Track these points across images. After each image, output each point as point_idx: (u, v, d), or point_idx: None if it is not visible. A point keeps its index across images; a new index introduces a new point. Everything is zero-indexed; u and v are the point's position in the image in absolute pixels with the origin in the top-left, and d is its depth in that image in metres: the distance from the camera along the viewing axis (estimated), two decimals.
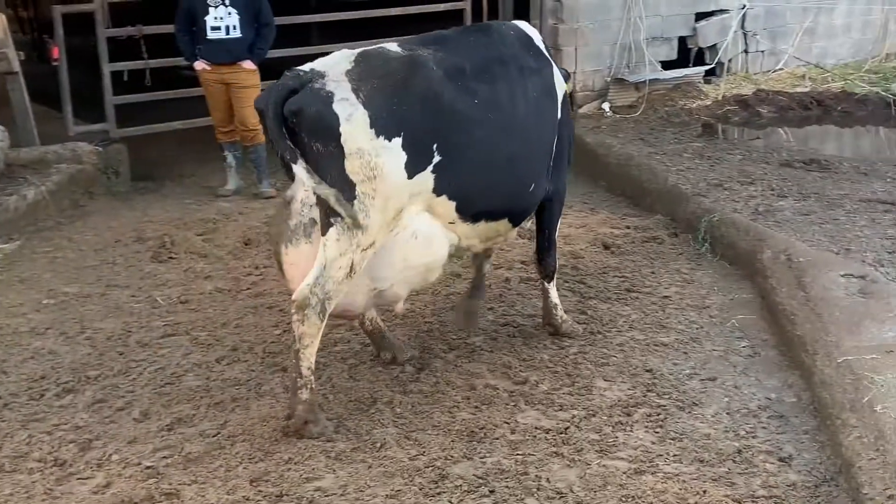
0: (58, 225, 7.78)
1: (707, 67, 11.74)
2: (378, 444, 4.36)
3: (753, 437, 4.44)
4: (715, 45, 11.72)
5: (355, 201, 4.29)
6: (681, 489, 4.00)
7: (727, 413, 4.66)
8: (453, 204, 4.69)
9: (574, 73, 10.26)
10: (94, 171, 8.73)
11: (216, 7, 8.25)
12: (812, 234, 6.63)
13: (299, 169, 4.23)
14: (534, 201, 5.20)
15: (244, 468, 4.19)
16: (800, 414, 4.66)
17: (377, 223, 4.38)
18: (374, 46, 4.65)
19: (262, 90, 5.73)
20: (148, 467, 4.21)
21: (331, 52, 4.65)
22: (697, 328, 5.66)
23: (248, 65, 8.44)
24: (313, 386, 4.49)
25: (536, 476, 4.11)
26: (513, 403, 4.76)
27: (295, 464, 4.21)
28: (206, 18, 8.27)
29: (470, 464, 4.22)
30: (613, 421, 4.59)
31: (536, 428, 4.52)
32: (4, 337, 5.60)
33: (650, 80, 10.93)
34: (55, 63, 9.03)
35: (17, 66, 8.79)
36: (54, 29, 9.06)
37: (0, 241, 7.22)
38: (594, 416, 4.64)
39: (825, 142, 10.51)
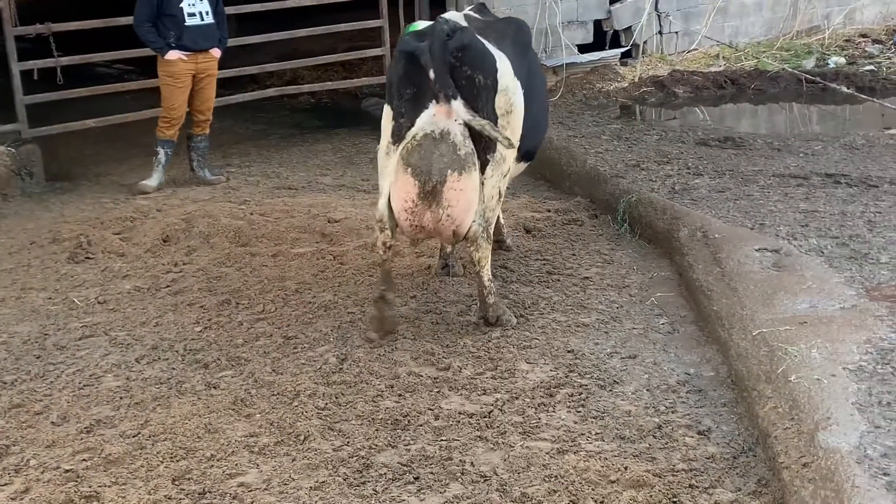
0: None
1: (623, 50, 11.89)
2: (302, 437, 4.35)
3: (673, 412, 4.51)
4: (630, 27, 11.87)
5: (501, 132, 5.07)
6: (603, 466, 4.05)
7: (647, 390, 4.73)
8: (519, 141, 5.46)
9: None
10: (7, 172, 8.53)
11: None
12: (727, 211, 6.75)
13: (459, 104, 4.93)
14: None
15: (166, 467, 4.14)
16: (718, 387, 4.76)
17: (509, 153, 5.24)
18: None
19: None
20: (67, 471, 4.13)
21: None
22: (618, 307, 5.74)
23: (216, 52, 8.53)
24: (495, 290, 5.41)
25: (461, 461, 4.13)
26: (436, 390, 4.78)
27: (217, 460, 4.17)
28: (182, 5, 8.20)
29: (394, 452, 4.22)
30: (536, 402, 4.63)
31: (460, 413, 4.54)
32: None
33: (567, 64, 11.04)
34: None
35: None
36: None
37: None
38: (517, 398, 4.67)
39: (740, 120, 10.72)
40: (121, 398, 4.79)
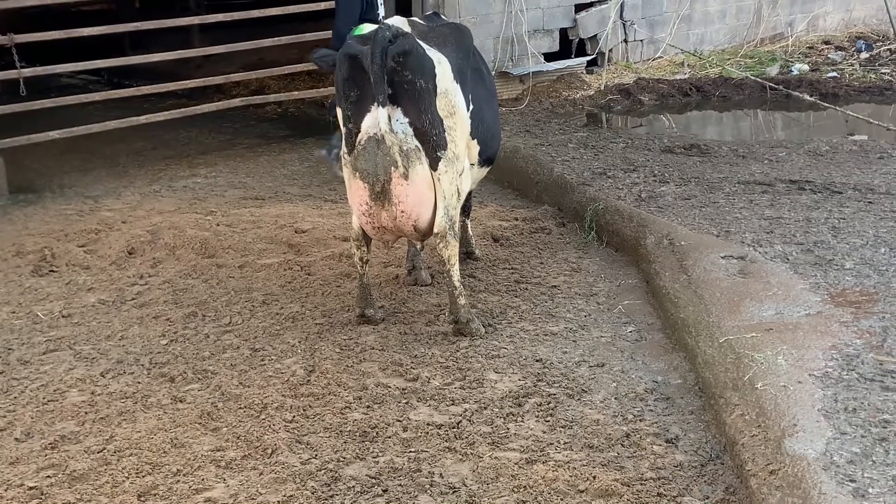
0: None
1: (589, 58, 11.95)
2: (269, 450, 4.32)
3: (641, 421, 4.52)
4: (595, 35, 11.94)
5: (445, 133, 5.23)
6: (571, 476, 4.05)
7: (615, 398, 4.74)
8: (478, 148, 5.74)
9: None
10: None
11: (381, 3, 8.18)
12: (693, 218, 6.78)
13: (383, 113, 5.01)
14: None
15: (131, 483, 4.09)
16: (685, 395, 4.77)
17: (461, 151, 5.38)
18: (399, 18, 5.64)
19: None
20: (31, 488, 4.08)
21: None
22: (585, 316, 5.75)
23: None
24: (465, 292, 5.49)
25: (429, 472, 4.12)
26: (405, 401, 4.76)
27: (184, 475, 4.14)
28: (378, 11, 8.12)
29: (363, 464, 4.20)
30: (505, 412, 4.62)
31: (429, 424, 4.53)
32: None
33: (534, 73, 11.08)
34: None
35: None
36: None
37: None
38: (486, 408, 4.67)
39: (705, 127, 10.79)
40: (86, 413, 4.73)
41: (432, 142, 5.19)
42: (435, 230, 5.33)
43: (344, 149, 5.30)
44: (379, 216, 5.25)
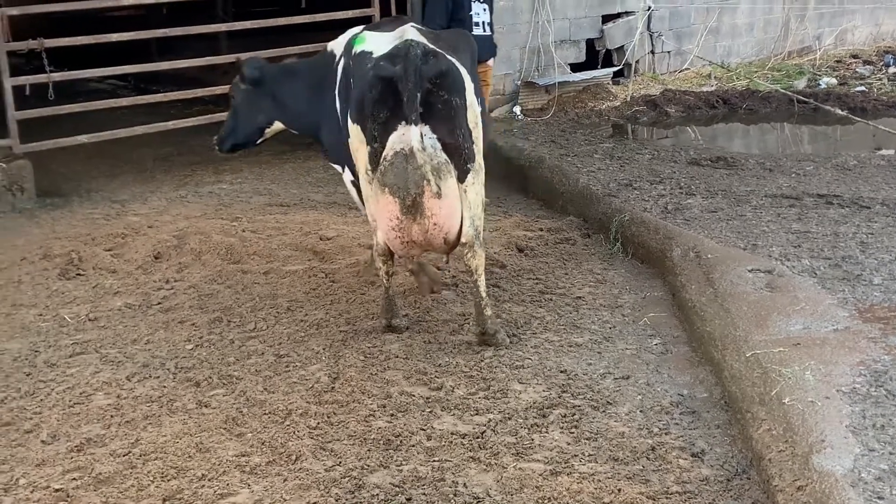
0: None
1: (615, 69, 11.93)
2: (293, 457, 4.32)
3: (666, 434, 4.50)
4: (622, 46, 11.92)
5: (473, 145, 5.26)
6: (596, 489, 4.03)
7: (640, 411, 4.72)
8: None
9: None
10: None
11: (475, 3, 8.15)
12: (720, 231, 6.75)
13: (416, 132, 5.01)
14: None
15: (157, 487, 4.10)
16: (711, 409, 4.75)
17: (481, 160, 5.43)
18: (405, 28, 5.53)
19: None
20: (57, 490, 4.10)
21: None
22: (611, 327, 5.73)
23: (492, 62, 8.51)
24: (491, 302, 5.50)
25: (453, 482, 4.11)
26: (429, 410, 4.75)
27: (209, 480, 4.14)
28: (471, 13, 8.12)
29: (386, 472, 4.20)
30: (529, 423, 4.61)
31: (453, 433, 4.52)
32: None
33: (560, 83, 11.07)
34: None
35: None
36: None
37: None
38: (510, 419, 4.65)
39: (732, 139, 10.76)
40: (111, 416, 4.75)
41: (464, 155, 5.20)
42: (463, 240, 5.31)
43: (368, 166, 5.26)
44: (410, 230, 5.19)
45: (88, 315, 6.08)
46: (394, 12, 10.46)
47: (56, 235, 7.64)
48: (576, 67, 11.61)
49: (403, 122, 5.06)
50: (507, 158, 9.26)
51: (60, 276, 6.76)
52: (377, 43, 5.39)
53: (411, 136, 5.03)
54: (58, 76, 9.18)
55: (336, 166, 6.18)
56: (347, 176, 5.99)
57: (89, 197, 9.03)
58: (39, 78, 9.07)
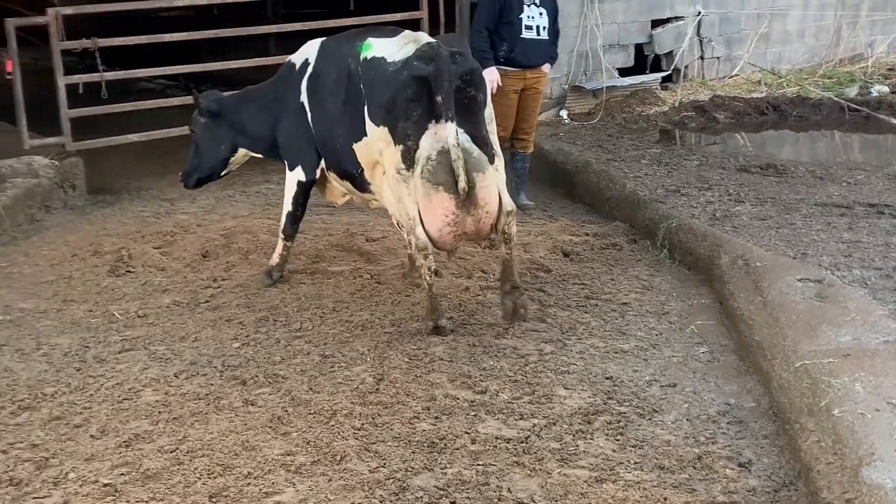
0: (13, 240, 7.67)
1: (664, 74, 11.86)
2: (338, 457, 4.33)
3: (713, 443, 4.46)
4: (671, 51, 11.85)
5: (491, 135, 5.55)
6: (641, 497, 4.01)
7: (687, 419, 4.68)
8: None
9: None
10: (51, 184, 8.63)
11: (529, 6, 8.09)
12: (769, 239, 6.69)
13: (452, 128, 5.22)
14: None
15: (203, 484, 4.13)
16: (759, 419, 4.70)
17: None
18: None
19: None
20: (106, 485, 4.14)
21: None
22: (657, 334, 5.70)
23: (548, 68, 8.40)
24: None
25: (497, 486, 4.10)
26: (473, 413, 4.75)
27: (254, 478, 4.17)
28: (522, 16, 8.06)
29: (430, 475, 4.20)
30: (574, 429, 4.59)
31: (497, 438, 4.51)
32: None
33: (607, 88, 11.02)
34: (9, 77, 8.92)
35: None
36: (8, 42, 8.95)
37: None
38: (555, 424, 4.64)
39: (781, 146, 10.64)
40: (159, 413, 4.80)
41: (489, 144, 5.51)
42: (507, 209, 5.53)
43: (401, 165, 5.40)
44: (465, 223, 5.42)
45: (137, 312, 6.15)
46: (442, 15, 10.51)
47: (106, 232, 7.74)
48: (624, 72, 11.56)
49: (434, 121, 5.30)
50: (554, 162, 9.24)
51: (110, 272, 6.84)
52: (386, 49, 5.60)
53: (448, 132, 5.23)
54: (110, 75, 9.30)
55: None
56: (298, 175, 6.42)
57: (139, 195, 9.13)
58: (92, 77, 9.20)
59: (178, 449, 4.43)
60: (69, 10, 9.55)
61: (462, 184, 5.25)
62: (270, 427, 4.63)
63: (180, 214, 8.29)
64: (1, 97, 9.54)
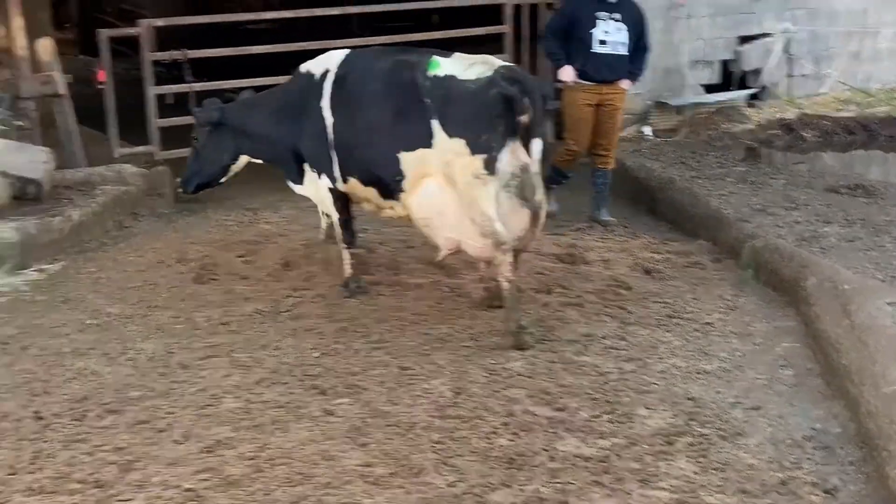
0: (102, 246, 7.85)
1: (750, 91, 11.67)
2: (416, 470, 4.33)
3: (798, 468, 4.36)
4: (758, 68, 11.65)
5: None
6: None
7: (771, 443, 4.59)
8: None
9: None
10: (139, 192, 8.81)
11: (605, 21, 8.01)
12: (858, 261, 6.54)
13: (539, 142, 5.65)
14: None
15: (283, 492, 4.17)
16: (845, 445, 4.58)
17: None
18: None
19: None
20: (188, 490, 4.20)
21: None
22: (741, 356, 5.59)
23: (626, 84, 8.23)
24: None
25: None
26: (552, 430, 4.71)
27: (333, 488, 4.19)
28: (593, 31, 7.99)
29: (509, 492, 4.17)
30: (655, 450, 4.53)
31: (576, 456, 4.47)
32: (48, 357, 5.64)
33: (692, 104, 10.88)
34: (101, 87, 9.15)
35: (63, 89, 8.93)
36: (100, 53, 9.19)
37: (45, 262, 7.31)
38: (635, 444, 4.58)
39: (871, 167, 10.40)
40: (241, 420, 4.85)
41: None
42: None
43: (481, 171, 5.58)
44: (530, 236, 5.83)
45: (220, 319, 6.24)
46: (526, 29, 10.50)
47: (191, 240, 7.87)
48: (709, 88, 11.42)
49: (512, 139, 5.59)
50: (636, 178, 9.16)
51: (195, 280, 6.95)
52: (454, 68, 5.79)
53: (534, 149, 5.62)
54: (199, 86, 9.47)
55: (311, 175, 6.60)
56: (325, 182, 6.46)
57: (223, 204, 9.26)
58: (182, 87, 9.38)
59: (258, 456, 4.47)
60: (160, 22, 9.77)
61: (538, 200, 5.63)
62: (349, 437, 4.65)
63: (263, 224, 8.40)
64: (92, 106, 9.78)
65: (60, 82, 8.91)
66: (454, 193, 5.73)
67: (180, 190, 7.23)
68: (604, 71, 8.06)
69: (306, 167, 6.62)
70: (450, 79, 5.76)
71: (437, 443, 4.59)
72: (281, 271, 7.11)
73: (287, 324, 6.17)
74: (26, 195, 7.99)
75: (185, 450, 4.56)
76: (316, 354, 5.67)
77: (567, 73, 8.06)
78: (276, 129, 6.67)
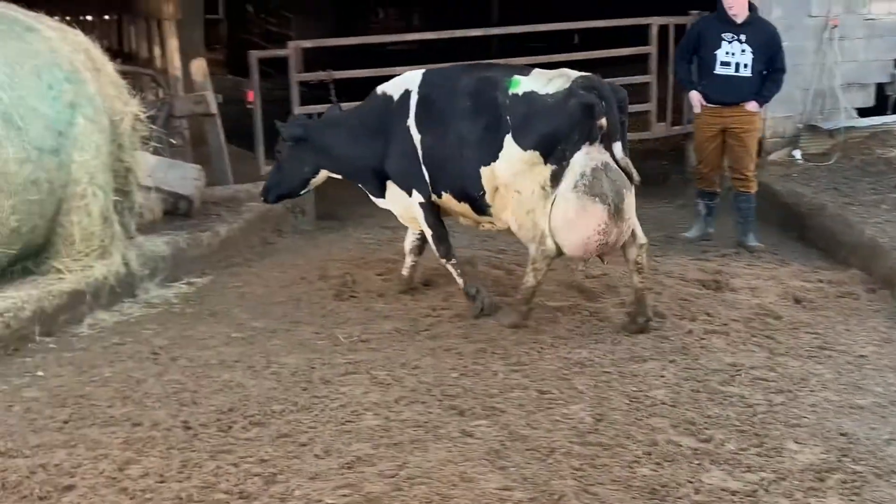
0: (247, 261, 8.05)
1: None
2: (556, 496, 4.25)
3: None
4: None
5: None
6: None
7: None
8: None
9: (764, 119, 9.90)
10: (283, 209, 9.01)
11: (730, 42, 7.99)
12: None
13: (619, 145, 5.96)
14: None
15: None
16: None
17: None
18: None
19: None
20: None
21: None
22: None
23: (752, 106, 8.11)
24: None
25: None
26: (697, 462, 4.57)
27: None
28: (717, 52, 8.00)
29: None
30: (805, 486, 4.34)
31: (722, 489, 4.32)
32: (195, 369, 5.79)
33: (845, 128, 10.50)
34: (250, 106, 9.40)
35: (214, 109, 9.21)
36: (250, 73, 9.44)
37: (193, 275, 7.53)
38: (784, 479, 4.40)
39: None
40: (380, 437, 4.86)
41: (628, 166, 6.00)
42: (640, 242, 6.22)
43: (548, 184, 5.96)
44: (611, 233, 5.92)
45: (360, 336, 6.29)
46: (671, 50, 10.31)
47: (332, 258, 7.99)
48: (863, 112, 11.00)
49: (587, 143, 5.89)
50: (785, 204, 8.89)
51: (335, 296, 7.05)
52: (534, 84, 6.11)
53: (616, 151, 5.93)
54: (343, 106, 9.60)
55: (396, 194, 6.81)
56: (416, 198, 6.66)
57: (362, 222, 9.40)
58: (326, 108, 9.53)
59: (398, 474, 4.46)
60: (308, 44, 9.99)
61: (618, 197, 5.86)
62: (488, 460, 4.61)
63: (400, 243, 8.37)
64: (241, 125, 10.06)
65: (212, 102, 9.19)
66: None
67: (261, 199, 7.41)
68: (724, 92, 7.95)
69: (389, 183, 6.78)
70: (531, 95, 6.07)
71: (578, 469, 4.50)
72: (420, 290, 7.15)
73: (426, 343, 6.18)
74: (178, 211, 8.27)
75: (325, 465, 4.58)
76: (454, 374, 5.65)
77: (694, 98, 8.12)
78: (355, 148, 6.84)
